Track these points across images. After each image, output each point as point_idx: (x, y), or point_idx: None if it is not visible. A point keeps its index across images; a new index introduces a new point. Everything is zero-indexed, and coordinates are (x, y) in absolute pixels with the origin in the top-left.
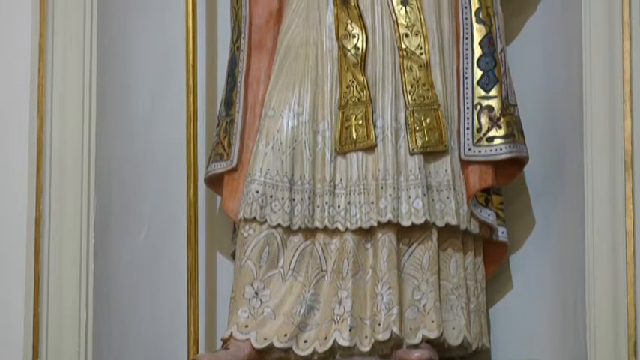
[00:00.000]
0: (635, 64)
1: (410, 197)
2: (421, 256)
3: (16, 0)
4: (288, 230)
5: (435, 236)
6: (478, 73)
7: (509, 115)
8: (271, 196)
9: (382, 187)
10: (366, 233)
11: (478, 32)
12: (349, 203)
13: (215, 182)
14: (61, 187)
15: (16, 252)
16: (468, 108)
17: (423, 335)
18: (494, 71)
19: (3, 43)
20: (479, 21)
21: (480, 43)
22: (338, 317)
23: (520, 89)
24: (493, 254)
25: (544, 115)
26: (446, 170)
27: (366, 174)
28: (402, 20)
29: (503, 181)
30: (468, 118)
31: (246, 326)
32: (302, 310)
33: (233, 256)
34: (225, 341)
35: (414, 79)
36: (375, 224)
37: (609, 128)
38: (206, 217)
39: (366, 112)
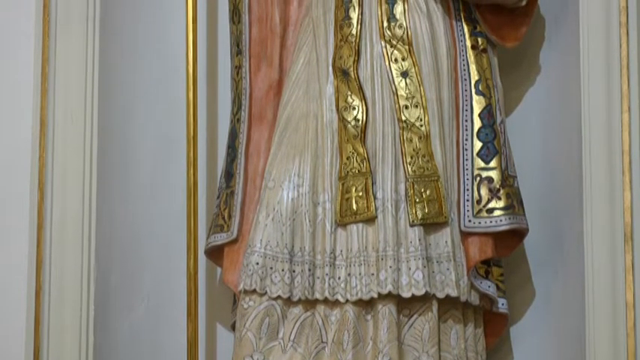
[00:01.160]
0: (634, 136)
1: (410, 269)
2: (421, 327)
3: (16, 73)
4: (289, 302)
5: (435, 308)
6: (478, 144)
7: (509, 186)
8: (271, 268)
9: (382, 259)
10: (366, 305)
11: (478, 104)
12: (349, 274)
13: (215, 254)
14: (62, 258)
15: (16, 323)
16: (467, 179)
17: None
18: (493, 143)
19: (5, 115)
20: (478, 93)
21: (479, 115)
22: None
23: (520, 161)
24: (494, 326)
25: (544, 187)
26: (446, 242)
27: (366, 245)
28: (401, 92)
29: (504, 253)
30: (467, 190)
31: None
32: None
33: (233, 327)
34: None
35: (413, 150)
36: (376, 295)
37: (609, 200)
38: (206, 289)
39: (366, 183)
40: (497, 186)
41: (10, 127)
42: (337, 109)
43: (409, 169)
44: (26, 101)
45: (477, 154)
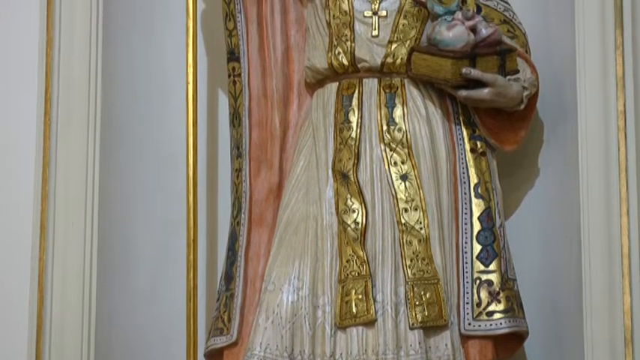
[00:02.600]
0: (634, 239)
1: None
2: None
3: (17, 176)
4: None
5: None
6: (477, 247)
7: (508, 289)
8: None
9: None
10: None
11: (477, 207)
12: None
13: (215, 357)
14: None
15: None
16: (467, 282)
17: None
18: (493, 246)
19: (5, 219)
20: (477, 196)
21: (478, 218)
22: None
23: (519, 263)
24: None
25: (544, 290)
26: (446, 344)
27: (366, 348)
28: (401, 195)
29: (504, 355)
30: (467, 293)
31: None
32: None
33: None
34: None
35: (413, 253)
36: None
37: (609, 303)
38: None
39: (365, 286)
40: (497, 289)
41: (10, 230)
42: (337, 212)
43: (409, 271)
44: (26, 205)
45: (477, 257)
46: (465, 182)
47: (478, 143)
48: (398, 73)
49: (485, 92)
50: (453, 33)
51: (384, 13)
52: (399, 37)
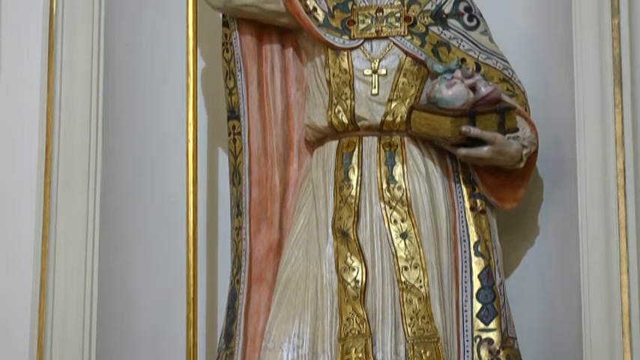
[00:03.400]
0: (634, 297)
1: None
2: None
3: (16, 235)
4: None
5: None
6: (477, 305)
7: (509, 347)
8: None
9: None
10: None
11: (477, 265)
12: None
13: None
14: None
15: None
16: (467, 341)
17: None
18: (493, 304)
19: (5, 276)
20: (477, 254)
21: (478, 276)
22: None
23: (520, 321)
24: None
25: (544, 348)
26: None
27: None
28: (401, 253)
29: None
30: (467, 351)
31: None
32: None
33: None
34: None
35: (413, 311)
36: None
37: None
38: None
39: (365, 345)
40: (498, 347)
41: (9, 288)
42: (337, 270)
43: (409, 330)
44: (26, 263)
45: (477, 316)
46: (464, 240)
47: (478, 201)
48: (398, 131)
49: (484, 150)
50: (453, 91)
51: (383, 71)
52: (398, 95)
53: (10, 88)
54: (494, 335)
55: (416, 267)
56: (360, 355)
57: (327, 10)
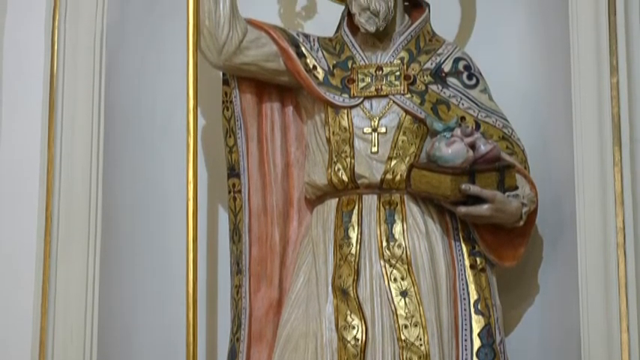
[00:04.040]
0: (634, 356)
1: None
2: None
3: (16, 294)
4: None
5: None
6: None
7: None
8: None
9: None
10: None
11: (477, 323)
12: None
13: None
14: None
15: None
16: None
17: None
18: None
19: (4, 338)
20: (477, 312)
21: (478, 334)
22: None
23: None
24: None
25: None
26: None
27: None
28: (401, 311)
29: None
30: None
31: None
32: None
33: None
34: None
35: None
36: None
37: None
38: None
39: None
40: None
41: (8, 348)
42: (337, 329)
43: None
44: (26, 323)
45: None
46: (464, 298)
47: (478, 259)
48: (397, 189)
49: (484, 208)
50: (452, 149)
51: (383, 129)
52: (398, 153)
53: (11, 147)
54: None
55: (416, 325)
56: None
57: (327, 68)
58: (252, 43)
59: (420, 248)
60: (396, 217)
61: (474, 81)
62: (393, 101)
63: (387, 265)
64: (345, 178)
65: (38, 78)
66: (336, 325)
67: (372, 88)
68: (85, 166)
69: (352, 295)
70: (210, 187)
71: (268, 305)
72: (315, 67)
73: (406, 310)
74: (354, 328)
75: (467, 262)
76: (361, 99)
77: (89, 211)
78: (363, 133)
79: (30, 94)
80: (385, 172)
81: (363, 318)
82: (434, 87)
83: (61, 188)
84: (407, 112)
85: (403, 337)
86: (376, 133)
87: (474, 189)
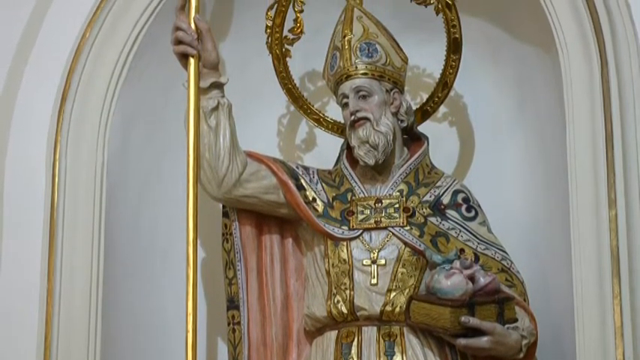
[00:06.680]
0: None
1: None
2: None
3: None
4: None
5: None
6: None
7: None
8: None
9: None
10: None
11: None
12: None
13: None
14: None
15: None
16: None
17: None
18: None
19: None
20: None
21: None
22: None
23: None
24: None
25: None
26: None
27: None
28: None
29: None
30: None
31: None
32: None
33: None
34: None
35: None
36: None
37: None
38: None
39: None
40: None
41: None
42: None
43: None
44: None
45: None
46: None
47: None
48: (397, 321)
49: (484, 341)
50: (452, 281)
51: (382, 262)
52: (397, 285)
53: (11, 281)
54: None
55: None
56: None
57: (326, 200)
58: (252, 176)
59: None
60: (395, 349)
61: (472, 213)
62: (393, 233)
63: None
64: (344, 310)
65: (39, 213)
66: None
67: (372, 221)
68: (85, 298)
69: None
70: (210, 319)
71: None
72: (314, 200)
73: None
74: None
75: None
76: (360, 231)
77: (88, 342)
78: (363, 265)
79: (30, 228)
80: (385, 304)
81: None
82: (433, 219)
83: (60, 319)
84: (406, 244)
85: None
86: (375, 265)
87: (474, 321)
